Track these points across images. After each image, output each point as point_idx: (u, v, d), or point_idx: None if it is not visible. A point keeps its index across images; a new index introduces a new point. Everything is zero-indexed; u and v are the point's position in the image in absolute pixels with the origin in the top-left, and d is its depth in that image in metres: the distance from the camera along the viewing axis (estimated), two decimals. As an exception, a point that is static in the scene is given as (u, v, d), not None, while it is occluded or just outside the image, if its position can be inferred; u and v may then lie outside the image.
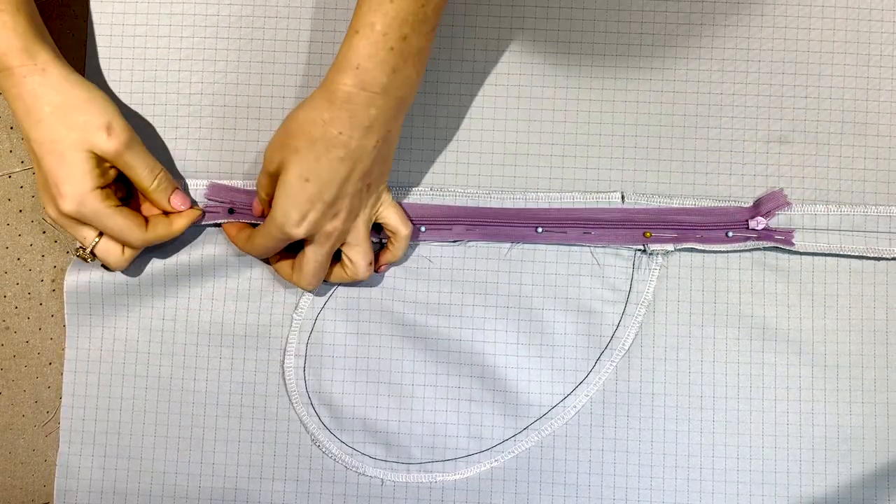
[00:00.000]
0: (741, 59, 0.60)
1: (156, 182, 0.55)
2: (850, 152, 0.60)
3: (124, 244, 0.55)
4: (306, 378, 0.60)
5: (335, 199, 0.52)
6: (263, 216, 0.57)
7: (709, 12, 0.60)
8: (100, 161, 0.53)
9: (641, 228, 0.59)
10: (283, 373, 0.60)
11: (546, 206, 0.59)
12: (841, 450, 0.59)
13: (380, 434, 0.60)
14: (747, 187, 0.60)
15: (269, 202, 0.54)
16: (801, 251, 0.59)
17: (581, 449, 0.60)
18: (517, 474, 0.60)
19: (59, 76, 0.52)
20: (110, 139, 0.52)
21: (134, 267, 0.60)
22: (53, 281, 0.62)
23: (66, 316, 0.60)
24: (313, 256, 0.54)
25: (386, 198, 0.56)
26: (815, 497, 0.59)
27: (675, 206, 0.59)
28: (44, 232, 0.62)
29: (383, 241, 0.58)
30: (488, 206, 0.59)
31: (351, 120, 0.50)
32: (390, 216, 0.56)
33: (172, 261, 0.60)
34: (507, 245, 0.60)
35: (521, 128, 0.60)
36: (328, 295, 0.60)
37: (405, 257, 0.60)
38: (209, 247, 0.60)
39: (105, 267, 0.58)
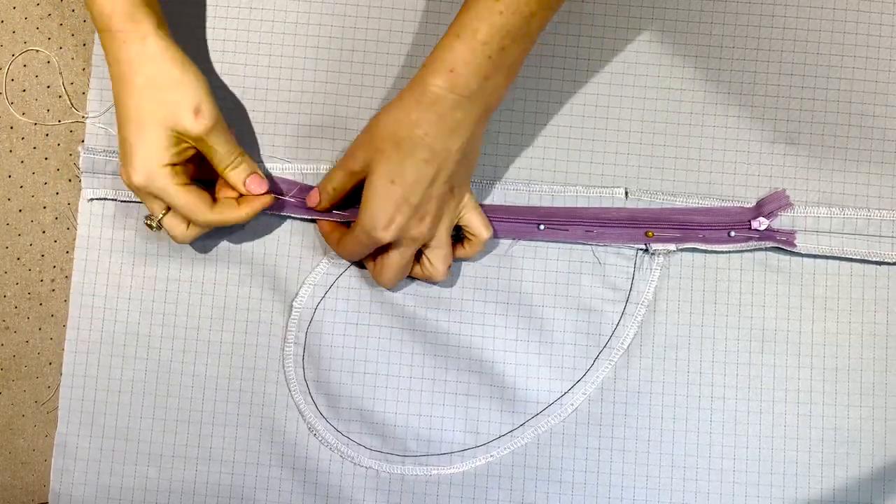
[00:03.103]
0: (749, 59, 0.59)
1: (231, 165, 0.55)
2: (854, 156, 0.59)
3: (190, 222, 0.55)
4: (304, 366, 0.60)
5: (421, 202, 0.52)
6: (313, 208, 0.57)
7: (719, 11, 0.59)
8: (179, 140, 0.53)
9: (644, 228, 0.59)
10: (283, 360, 0.60)
11: (549, 199, 0.59)
12: (838, 452, 0.60)
13: (376, 425, 0.60)
14: (751, 187, 0.59)
15: (333, 197, 0.55)
16: (803, 253, 0.59)
17: (578, 447, 0.60)
18: (513, 470, 0.60)
19: (157, 48, 0.51)
20: (197, 121, 0.52)
21: (138, 250, 0.60)
22: (53, 281, 0.63)
23: (70, 296, 0.60)
24: (398, 259, 0.55)
25: (468, 201, 0.56)
26: (811, 499, 0.59)
27: (678, 205, 0.59)
28: (43, 232, 0.62)
29: (462, 235, 0.58)
30: (490, 197, 0.59)
31: (438, 122, 0.50)
32: (472, 219, 0.56)
33: (176, 245, 0.60)
34: (509, 241, 0.60)
35: (528, 120, 0.60)
36: (329, 285, 0.60)
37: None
38: (213, 231, 0.60)
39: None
